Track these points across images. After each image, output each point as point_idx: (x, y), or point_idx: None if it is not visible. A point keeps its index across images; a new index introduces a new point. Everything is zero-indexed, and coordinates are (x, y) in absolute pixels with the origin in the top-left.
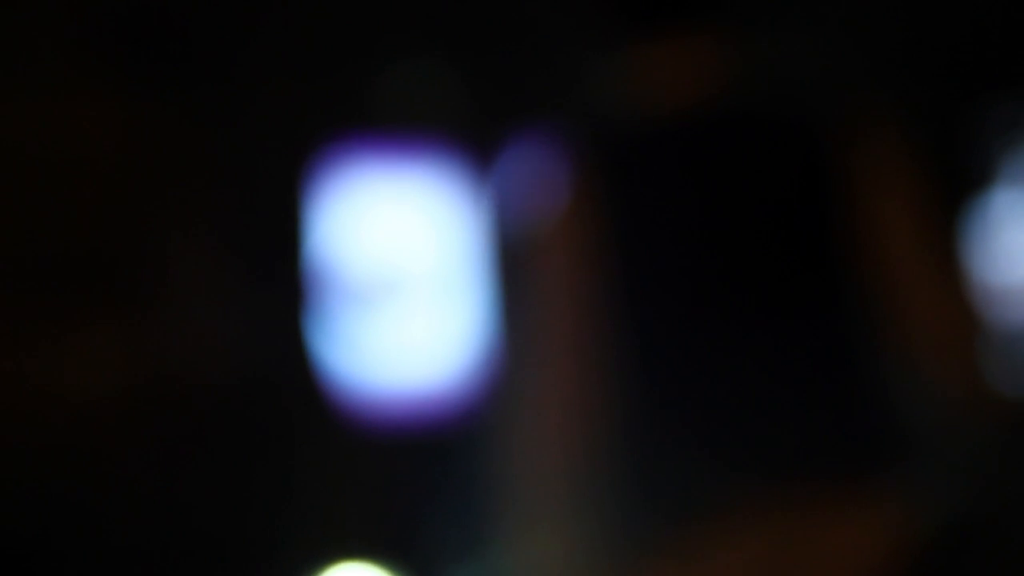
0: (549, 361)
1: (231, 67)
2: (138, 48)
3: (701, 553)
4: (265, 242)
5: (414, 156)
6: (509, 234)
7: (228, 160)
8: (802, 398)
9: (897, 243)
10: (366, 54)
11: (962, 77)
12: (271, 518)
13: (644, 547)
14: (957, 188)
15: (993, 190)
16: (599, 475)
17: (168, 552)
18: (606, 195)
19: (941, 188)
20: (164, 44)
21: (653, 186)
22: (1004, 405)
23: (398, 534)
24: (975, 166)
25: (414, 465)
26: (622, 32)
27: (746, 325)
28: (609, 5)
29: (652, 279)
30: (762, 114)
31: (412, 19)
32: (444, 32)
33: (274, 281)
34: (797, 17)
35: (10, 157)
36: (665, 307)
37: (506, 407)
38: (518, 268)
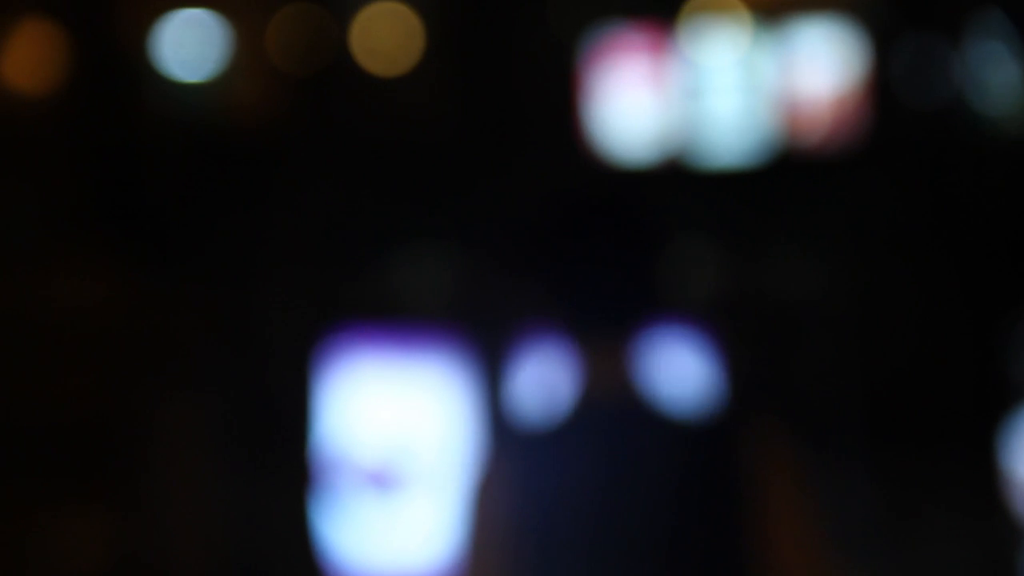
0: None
1: (239, 252)
2: (137, 227)
3: None
4: (266, 425)
5: (420, 344)
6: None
7: (230, 338)
8: None
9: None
10: (373, 241)
11: None
12: None
13: None
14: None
15: None
16: None
17: None
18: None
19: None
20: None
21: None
22: None
23: None
24: None
25: None
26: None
27: None
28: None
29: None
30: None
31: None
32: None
33: (273, 466)
34: None
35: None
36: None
37: None
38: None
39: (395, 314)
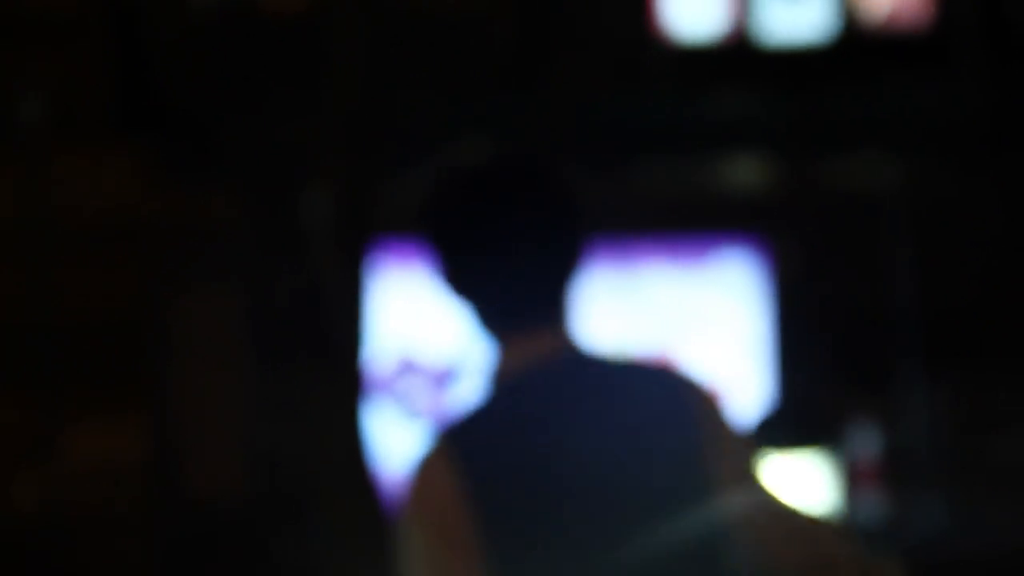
0: None
1: (284, 146)
2: (170, 117)
3: None
4: (310, 324)
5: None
6: None
7: (272, 235)
8: None
9: None
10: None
11: None
12: None
13: None
14: None
15: None
16: None
17: None
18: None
19: None
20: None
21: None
22: None
23: None
24: None
25: None
26: None
27: None
28: None
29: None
30: None
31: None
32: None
33: (320, 368)
34: None
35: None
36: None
37: None
38: None
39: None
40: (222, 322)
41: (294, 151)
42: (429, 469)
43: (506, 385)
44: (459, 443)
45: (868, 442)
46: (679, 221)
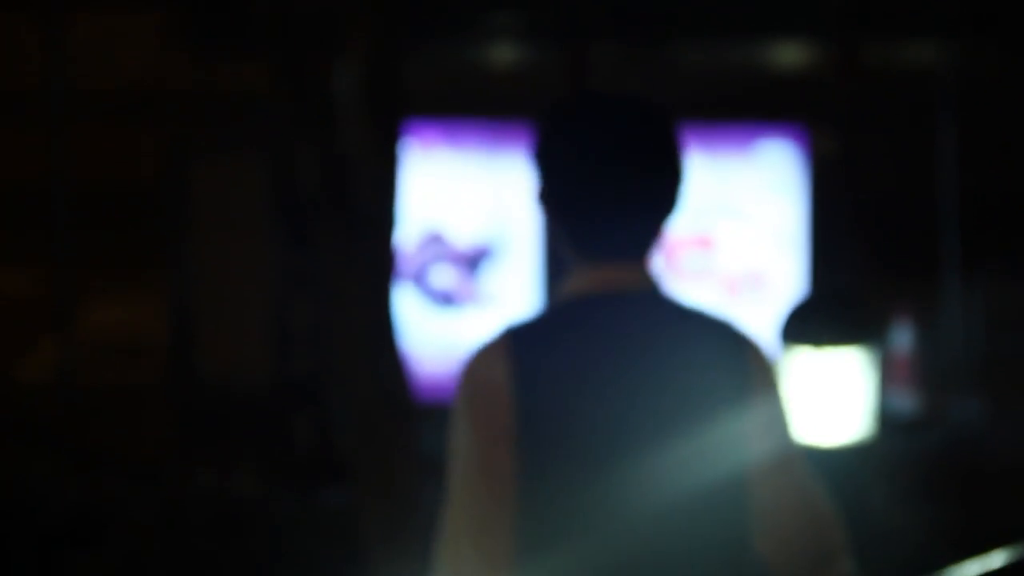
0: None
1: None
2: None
3: None
4: (337, 198)
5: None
6: None
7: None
8: None
9: None
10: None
11: None
12: None
13: None
14: None
15: None
16: None
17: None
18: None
19: None
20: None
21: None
22: None
23: None
24: None
25: None
26: None
27: None
28: None
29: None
30: None
31: None
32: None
33: (345, 243)
34: None
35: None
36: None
37: None
38: None
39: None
40: (246, 193)
41: (324, 21)
42: (484, 362)
43: (580, 303)
44: (520, 344)
45: (905, 337)
46: (719, 105)
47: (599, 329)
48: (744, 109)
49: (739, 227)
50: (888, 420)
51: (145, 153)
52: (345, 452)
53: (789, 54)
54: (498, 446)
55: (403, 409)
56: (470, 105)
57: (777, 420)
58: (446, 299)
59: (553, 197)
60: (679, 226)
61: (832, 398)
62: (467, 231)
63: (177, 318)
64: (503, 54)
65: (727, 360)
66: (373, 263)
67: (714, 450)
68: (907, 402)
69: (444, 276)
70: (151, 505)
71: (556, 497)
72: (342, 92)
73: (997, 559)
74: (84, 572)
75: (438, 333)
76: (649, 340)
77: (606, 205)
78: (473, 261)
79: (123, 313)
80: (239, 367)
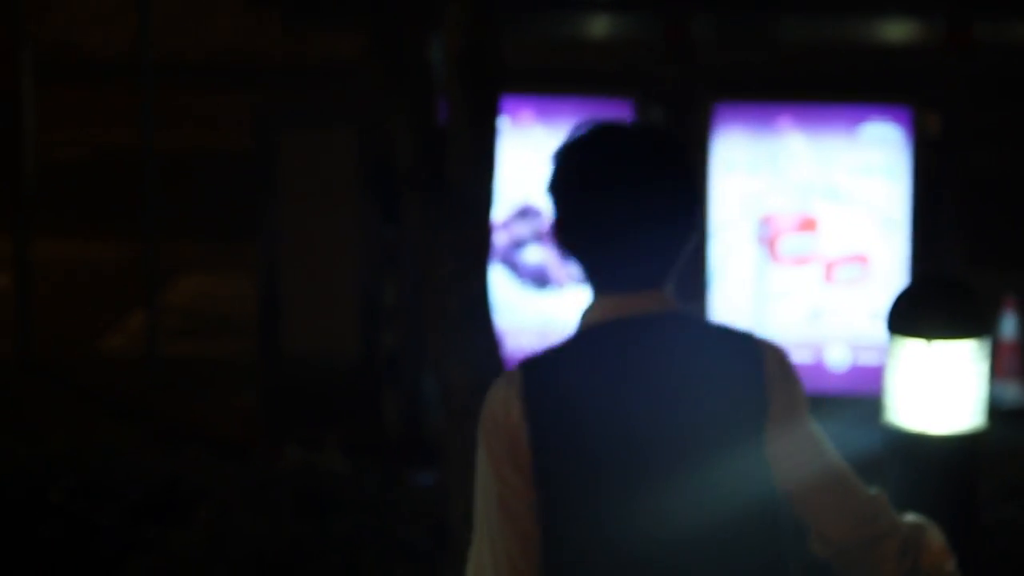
0: None
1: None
2: None
3: None
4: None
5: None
6: None
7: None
8: None
9: None
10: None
11: None
12: None
13: None
14: None
15: None
16: None
17: None
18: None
19: None
20: None
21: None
22: None
23: None
24: None
25: None
26: None
27: None
28: None
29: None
30: None
31: None
32: None
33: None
34: None
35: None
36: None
37: None
38: None
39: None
40: (336, 166)
41: None
42: (499, 400)
43: (594, 332)
44: (533, 379)
45: (1010, 325)
46: (822, 84)
47: (612, 355)
48: (847, 88)
49: (842, 210)
50: (992, 410)
51: (236, 124)
52: (434, 433)
53: (895, 31)
54: (517, 483)
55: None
56: (564, 81)
57: (799, 419)
58: (539, 278)
59: (566, 229)
60: (781, 209)
61: (942, 388)
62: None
63: (265, 291)
64: (599, 29)
65: (745, 370)
66: (467, 241)
67: (738, 466)
68: (1012, 392)
69: (537, 255)
70: (238, 481)
71: (578, 529)
72: (439, 65)
73: None
74: (171, 547)
75: (531, 313)
76: (664, 359)
77: (618, 237)
78: None
79: (212, 286)
80: (327, 342)
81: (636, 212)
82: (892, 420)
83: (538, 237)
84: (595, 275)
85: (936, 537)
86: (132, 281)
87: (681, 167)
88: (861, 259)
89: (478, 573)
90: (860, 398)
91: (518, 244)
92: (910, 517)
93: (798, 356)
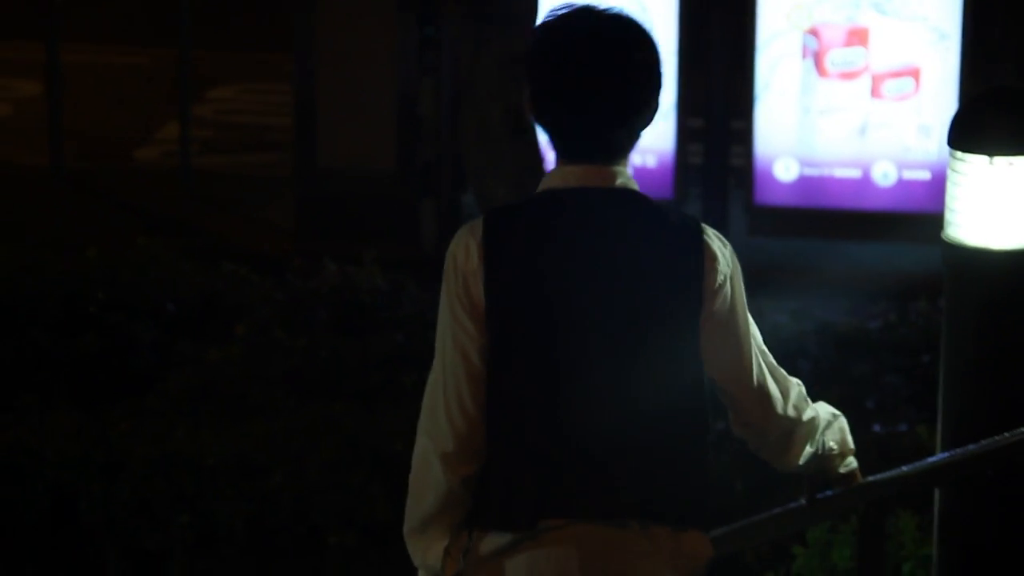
0: None
1: None
2: None
3: None
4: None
5: None
6: None
7: None
8: None
9: None
10: None
11: None
12: None
13: None
14: None
15: None
16: None
17: None
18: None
19: None
20: None
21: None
22: None
23: None
24: None
25: None
26: None
27: None
28: None
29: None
30: None
31: None
32: None
33: None
34: None
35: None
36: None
37: None
38: None
39: None
40: None
41: None
42: (462, 245)
43: (553, 195)
44: (493, 230)
45: None
46: None
47: (568, 219)
48: None
49: (892, 22)
50: None
51: None
52: None
53: None
54: (469, 326)
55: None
56: None
57: (735, 297)
58: None
59: (540, 99)
60: (829, 20)
61: (1004, 203)
62: None
63: (301, 102)
64: None
65: (686, 260)
66: (512, 52)
67: (671, 347)
68: None
69: None
70: (275, 296)
71: (520, 380)
72: None
73: None
74: (207, 363)
75: None
76: (613, 233)
77: (584, 110)
78: None
79: (248, 98)
80: (364, 154)
81: (600, 86)
82: (953, 235)
83: None
84: (561, 143)
85: (840, 431)
86: (165, 91)
87: (646, 51)
88: (911, 73)
89: (432, 404)
90: (907, 215)
91: None
92: (821, 409)
93: (844, 173)
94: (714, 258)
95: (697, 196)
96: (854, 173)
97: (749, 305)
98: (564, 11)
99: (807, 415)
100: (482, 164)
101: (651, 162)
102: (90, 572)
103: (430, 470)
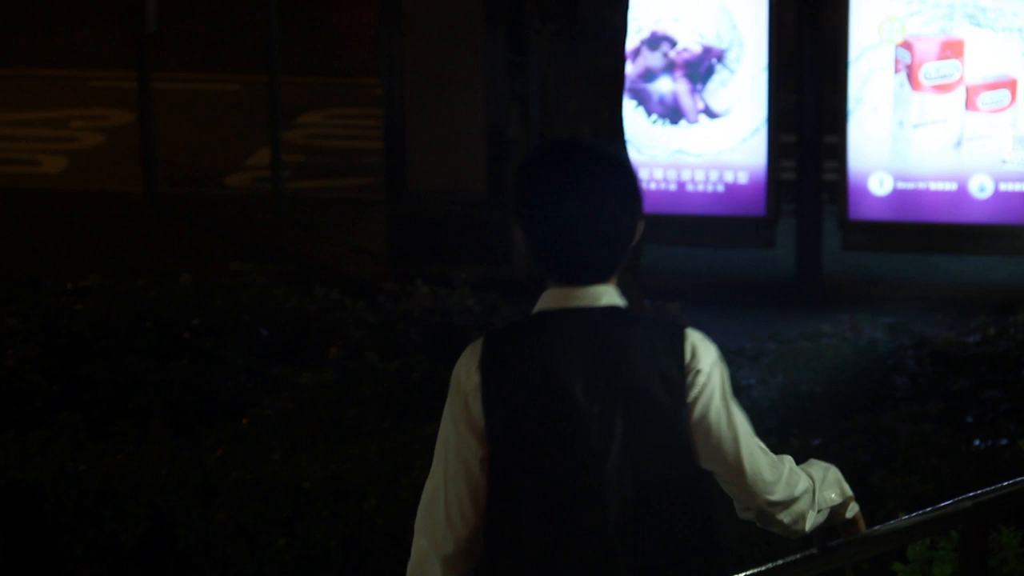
0: None
1: None
2: None
3: None
4: None
5: None
6: None
7: None
8: None
9: None
10: None
11: None
12: None
13: None
14: None
15: None
16: None
17: None
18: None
19: None
20: None
21: None
22: None
23: None
24: None
25: None
26: None
27: None
28: None
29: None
30: None
31: None
32: None
33: None
34: None
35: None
36: None
37: None
38: None
39: None
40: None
41: None
42: (465, 365)
43: (547, 317)
44: (492, 352)
45: None
46: None
47: (559, 338)
48: None
49: (987, 33)
50: None
51: None
52: None
53: None
54: (470, 440)
55: None
56: None
57: (714, 395)
58: (671, 110)
59: (527, 229)
60: (923, 33)
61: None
62: (693, 37)
63: (391, 126)
64: None
65: (669, 359)
66: (599, 72)
67: (663, 439)
68: None
69: (668, 85)
70: (367, 319)
71: (518, 487)
72: None
73: None
74: (301, 386)
75: (663, 146)
76: (601, 345)
77: (570, 233)
78: (699, 70)
79: (337, 122)
80: (454, 177)
81: (585, 213)
82: None
83: (669, 67)
84: (549, 268)
85: (836, 483)
86: (256, 117)
87: (627, 182)
88: (1007, 85)
89: (431, 508)
90: (1004, 227)
91: (648, 75)
92: (814, 470)
93: (940, 186)
94: (695, 356)
95: (790, 212)
96: (950, 186)
97: (845, 320)
98: (546, 148)
99: (801, 487)
100: None
101: (743, 179)
102: None
103: (429, 569)
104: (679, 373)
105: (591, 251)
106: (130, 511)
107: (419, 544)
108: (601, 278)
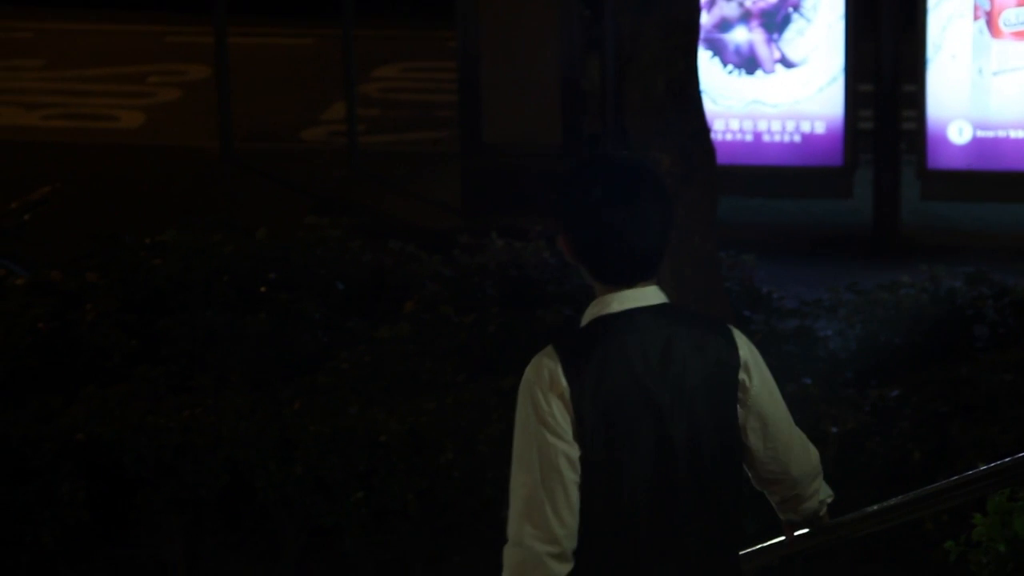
0: None
1: None
2: None
3: None
4: None
5: None
6: None
7: None
8: None
9: None
10: None
11: None
12: None
13: None
14: None
15: None
16: None
17: None
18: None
19: None
20: None
21: None
22: None
23: None
24: None
25: None
26: None
27: None
28: None
29: None
30: None
31: None
32: None
33: None
34: None
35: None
36: None
37: None
38: None
39: None
40: None
41: None
42: (547, 364)
43: (606, 321)
44: (566, 353)
45: None
46: None
47: (630, 338)
48: None
49: None
50: None
51: None
52: None
53: None
54: (566, 438)
55: (703, 175)
56: None
57: (767, 381)
58: (746, 60)
59: (572, 241)
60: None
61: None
62: None
63: (466, 79)
64: None
65: (724, 352)
66: (673, 22)
67: (721, 423)
68: None
69: (744, 35)
70: (442, 273)
71: (617, 467)
72: None
73: None
74: (377, 340)
75: (738, 96)
76: (664, 340)
77: (619, 244)
78: (775, 19)
79: (412, 76)
80: (529, 129)
81: (631, 219)
82: None
83: (745, 17)
84: (598, 274)
85: (817, 493)
86: (331, 71)
87: (654, 183)
88: None
89: (528, 515)
90: None
91: (724, 25)
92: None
93: (1021, 134)
94: (744, 347)
95: (867, 162)
96: None
97: (923, 271)
98: (582, 165)
99: (819, 467)
100: (646, 134)
101: (820, 128)
102: (267, 548)
103: (543, 571)
104: (733, 359)
105: (639, 254)
106: (209, 464)
107: (525, 551)
108: (649, 277)
